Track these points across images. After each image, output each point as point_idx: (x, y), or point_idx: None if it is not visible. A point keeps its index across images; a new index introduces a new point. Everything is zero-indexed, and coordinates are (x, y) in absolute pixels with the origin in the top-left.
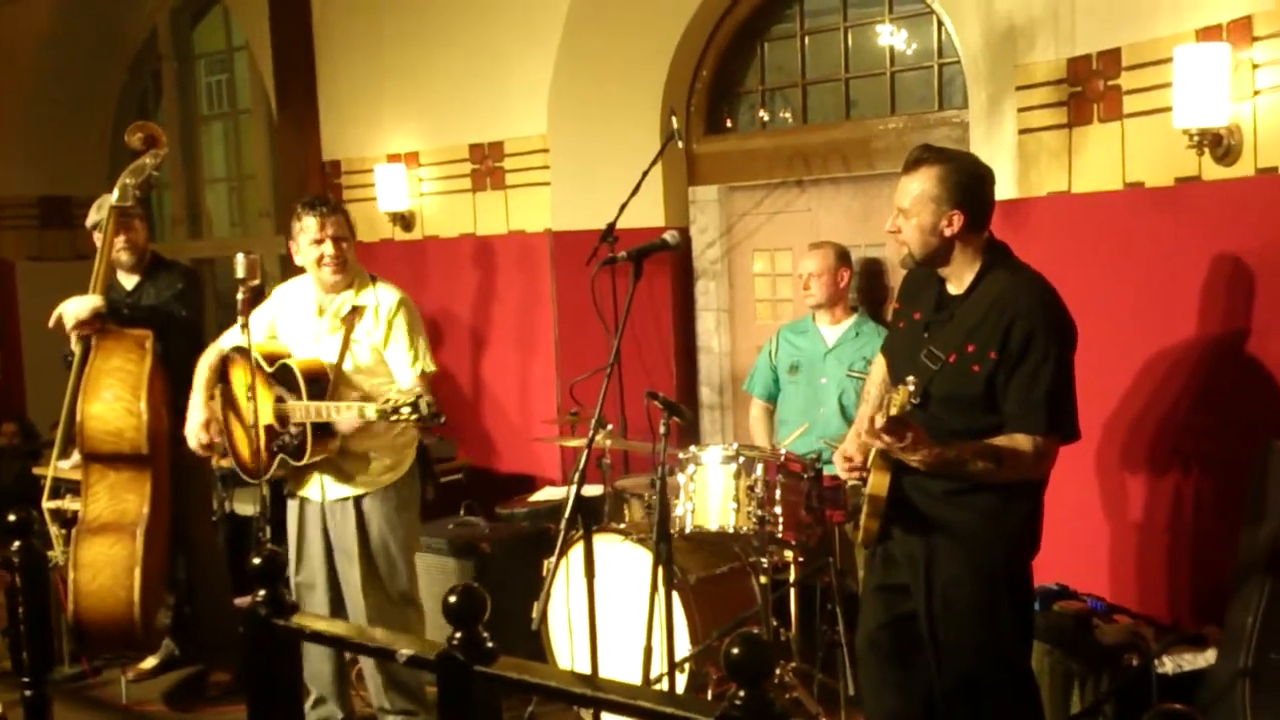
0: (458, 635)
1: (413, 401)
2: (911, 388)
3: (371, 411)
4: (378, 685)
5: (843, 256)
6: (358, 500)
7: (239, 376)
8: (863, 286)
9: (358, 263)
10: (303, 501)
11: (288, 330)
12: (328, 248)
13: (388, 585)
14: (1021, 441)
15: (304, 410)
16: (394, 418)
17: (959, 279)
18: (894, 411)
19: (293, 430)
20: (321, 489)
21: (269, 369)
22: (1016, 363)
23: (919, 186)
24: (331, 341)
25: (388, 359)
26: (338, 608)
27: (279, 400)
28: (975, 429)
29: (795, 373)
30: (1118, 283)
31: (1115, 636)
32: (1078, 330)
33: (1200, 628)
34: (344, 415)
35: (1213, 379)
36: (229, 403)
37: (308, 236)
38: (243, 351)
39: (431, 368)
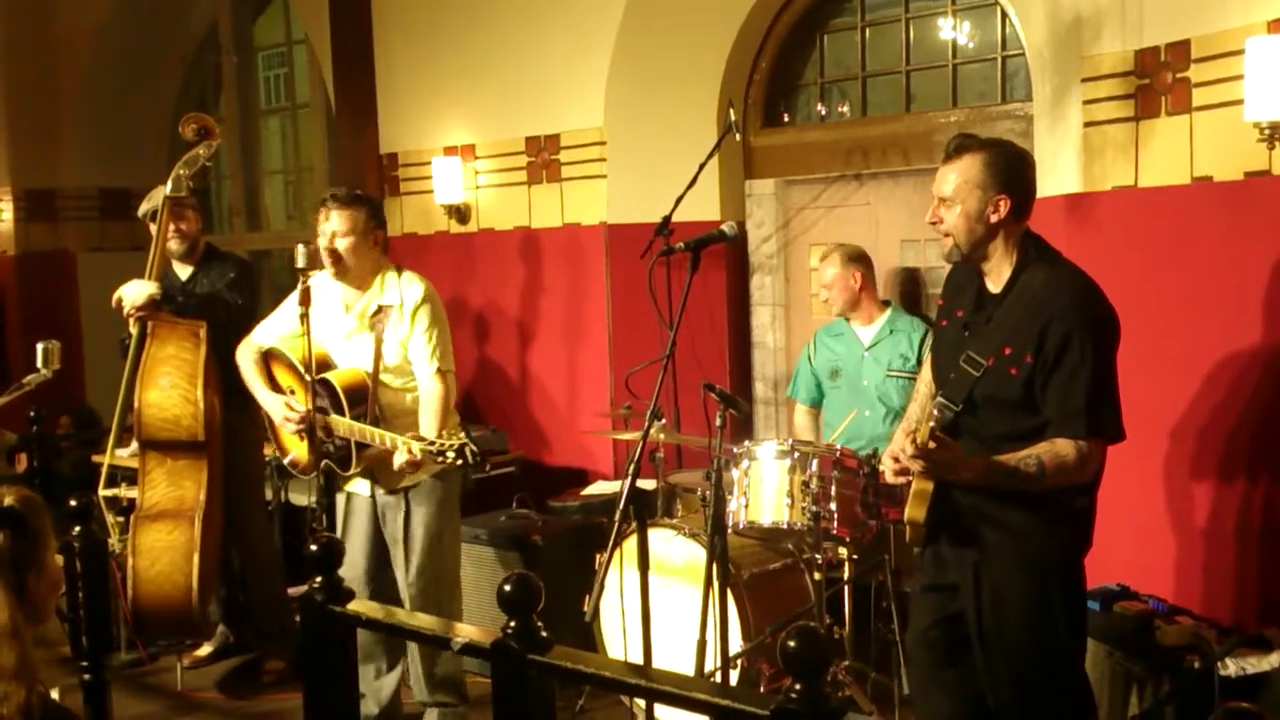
0: (512, 624)
1: (459, 448)
2: (933, 423)
3: (417, 449)
4: (418, 677)
5: (852, 258)
6: (407, 492)
7: (282, 377)
8: (905, 292)
9: (378, 255)
10: (350, 496)
11: (317, 324)
12: (323, 243)
13: (438, 575)
14: (1064, 447)
15: (348, 429)
16: (439, 460)
17: (998, 275)
18: (922, 439)
19: (337, 442)
20: (371, 485)
21: (308, 377)
22: (1053, 366)
23: (963, 174)
24: (362, 342)
25: (409, 354)
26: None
27: (321, 410)
28: (1020, 431)
29: (836, 378)
30: (1184, 280)
31: (1177, 638)
32: (1120, 325)
33: (1264, 630)
34: (397, 451)
35: None
36: None
37: (320, 228)
38: (276, 354)
39: (448, 367)
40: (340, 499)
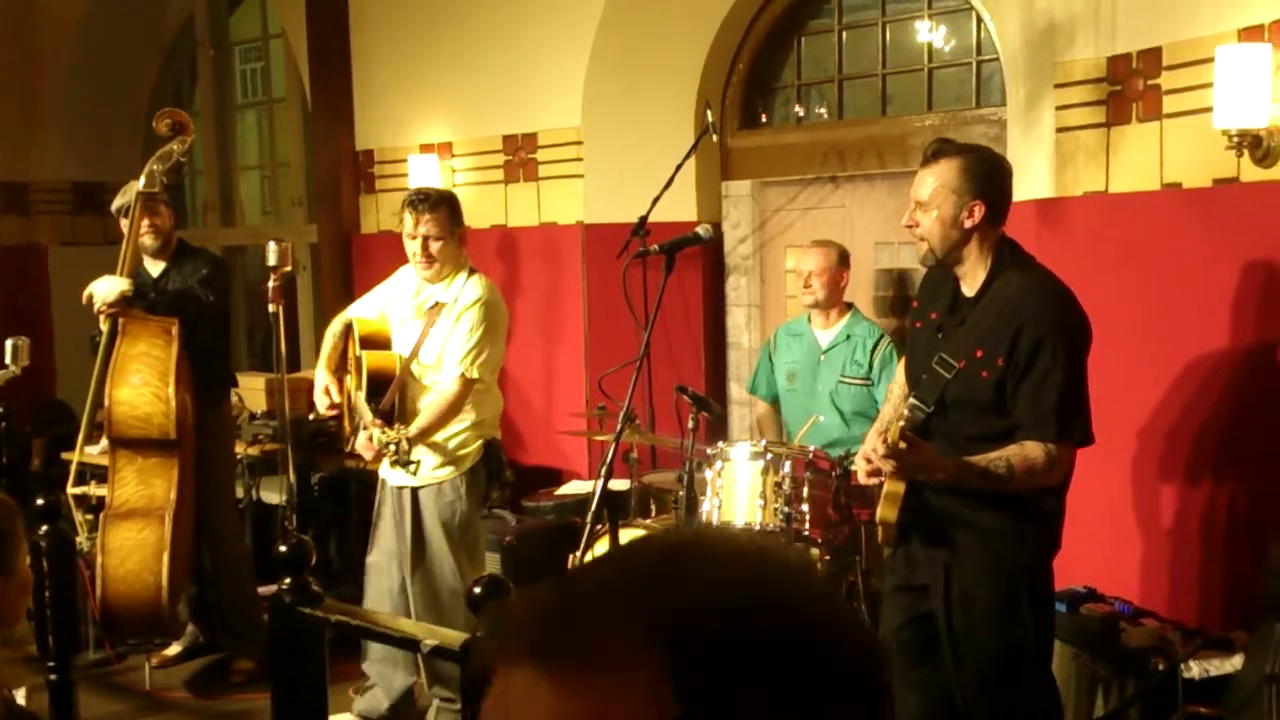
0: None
1: (396, 443)
2: (903, 423)
3: (376, 437)
4: (424, 674)
5: (844, 258)
6: (414, 491)
7: (350, 349)
8: (895, 295)
9: (461, 254)
10: (382, 482)
11: (393, 307)
12: (417, 245)
13: (438, 581)
14: (1033, 450)
15: (357, 405)
16: (385, 451)
17: (972, 278)
18: (892, 439)
19: (355, 419)
20: (389, 472)
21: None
22: (1025, 370)
23: (939, 178)
24: (413, 328)
25: (446, 352)
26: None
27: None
28: (990, 433)
29: (793, 381)
30: (1154, 284)
31: (1142, 640)
32: (1091, 331)
33: (1228, 632)
34: (363, 431)
35: (1248, 384)
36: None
37: (405, 231)
38: (352, 328)
39: (474, 375)
40: (380, 483)
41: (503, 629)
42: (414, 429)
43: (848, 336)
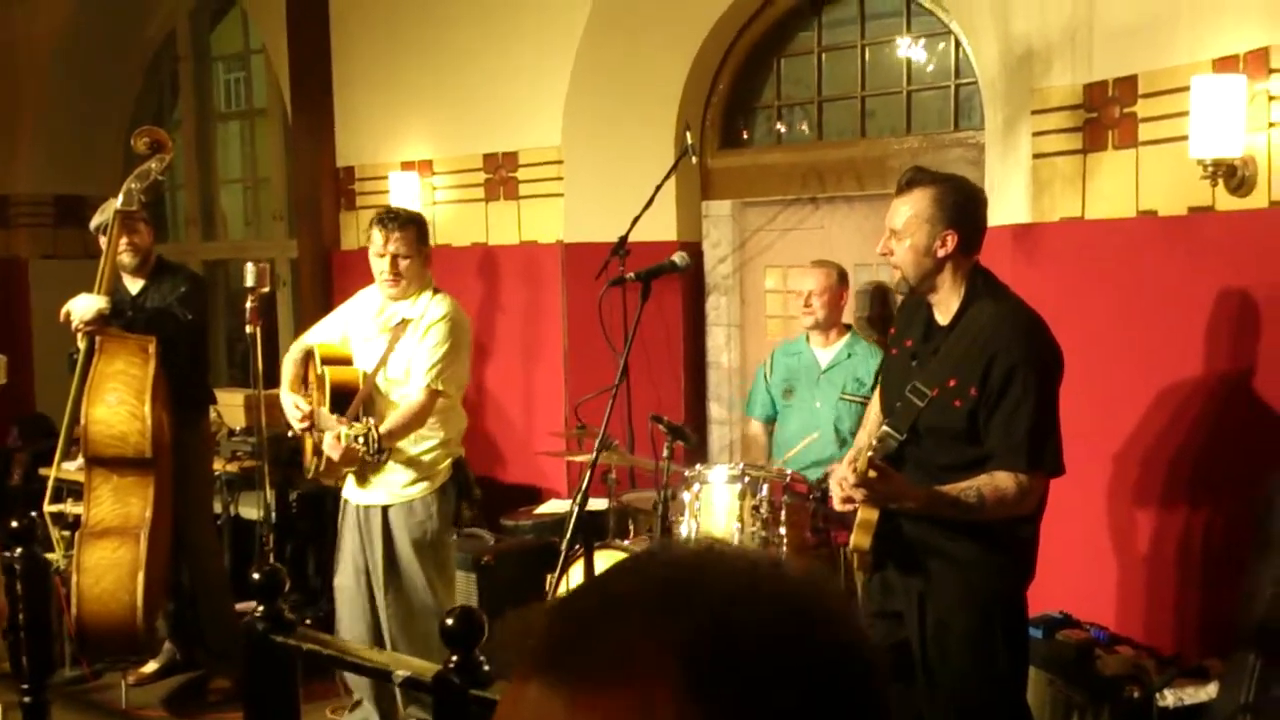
0: (454, 658)
1: (365, 433)
2: (872, 453)
3: (344, 436)
4: (400, 696)
5: (843, 277)
6: (384, 510)
7: (311, 373)
8: (875, 314)
9: (425, 273)
10: (345, 502)
11: (354, 327)
12: (385, 263)
13: (410, 599)
14: (1004, 480)
15: (320, 418)
16: (353, 443)
17: (946, 307)
18: (861, 468)
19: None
20: (354, 492)
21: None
22: (997, 400)
23: (912, 207)
24: (378, 344)
25: (412, 366)
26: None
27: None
28: (963, 461)
29: (790, 396)
30: (1128, 311)
31: (1117, 667)
32: (1063, 360)
33: (1203, 660)
34: (329, 434)
35: (1223, 410)
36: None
37: (373, 249)
38: (312, 352)
39: (439, 387)
40: (342, 504)
41: (517, 642)
42: (384, 428)
43: (849, 355)
